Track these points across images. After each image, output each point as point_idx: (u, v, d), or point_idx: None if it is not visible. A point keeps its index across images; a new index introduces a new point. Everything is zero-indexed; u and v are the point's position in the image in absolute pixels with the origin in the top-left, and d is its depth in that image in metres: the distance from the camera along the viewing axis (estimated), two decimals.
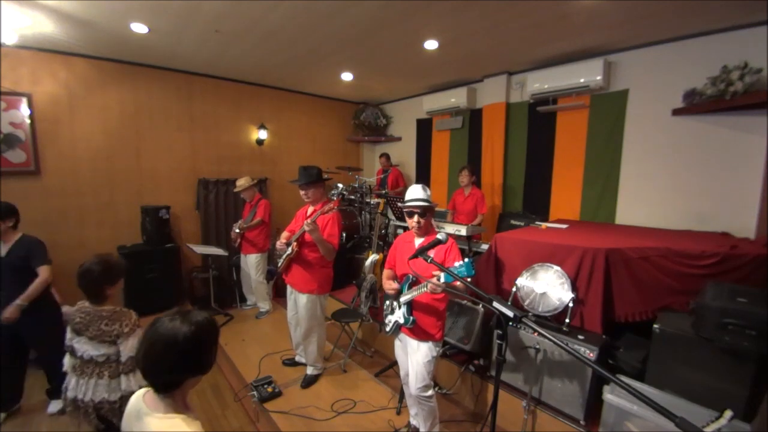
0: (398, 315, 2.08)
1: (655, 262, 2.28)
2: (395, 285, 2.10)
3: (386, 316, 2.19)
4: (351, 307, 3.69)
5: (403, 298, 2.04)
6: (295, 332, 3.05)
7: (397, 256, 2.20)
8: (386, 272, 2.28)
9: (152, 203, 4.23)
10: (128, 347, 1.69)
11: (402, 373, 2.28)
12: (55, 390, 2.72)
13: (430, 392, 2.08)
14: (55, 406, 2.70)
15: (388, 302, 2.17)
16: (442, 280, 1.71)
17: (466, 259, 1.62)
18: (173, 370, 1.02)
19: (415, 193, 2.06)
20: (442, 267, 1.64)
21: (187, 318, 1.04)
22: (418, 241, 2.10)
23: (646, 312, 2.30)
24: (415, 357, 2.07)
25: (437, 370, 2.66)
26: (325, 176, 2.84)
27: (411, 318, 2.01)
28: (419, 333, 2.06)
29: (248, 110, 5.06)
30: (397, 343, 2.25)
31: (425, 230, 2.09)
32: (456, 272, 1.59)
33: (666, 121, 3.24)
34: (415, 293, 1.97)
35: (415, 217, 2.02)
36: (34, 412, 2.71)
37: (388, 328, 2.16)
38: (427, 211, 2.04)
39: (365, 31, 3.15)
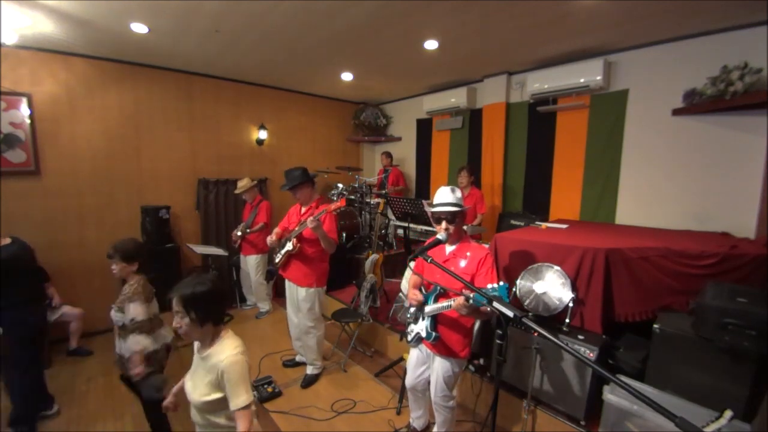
0: (421, 327, 1.95)
1: (655, 262, 2.28)
2: (420, 296, 1.96)
3: (408, 324, 2.07)
4: (351, 307, 3.69)
5: (427, 308, 1.91)
6: (293, 326, 3.05)
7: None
8: (413, 278, 2.13)
9: (152, 203, 4.23)
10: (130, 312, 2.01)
11: (408, 379, 2.19)
12: (14, 419, 2.36)
13: (450, 403, 2.03)
14: None
15: (413, 310, 2.04)
16: (471, 300, 1.54)
17: (501, 283, 1.43)
18: None
19: (443, 196, 1.89)
20: (471, 286, 1.46)
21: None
22: (450, 249, 1.97)
23: (646, 312, 2.30)
24: (436, 369, 1.99)
25: None
26: (312, 173, 2.85)
27: (434, 334, 1.88)
28: (441, 349, 1.94)
29: (248, 110, 5.06)
30: (414, 351, 2.14)
31: (457, 236, 1.94)
32: (490, 295, 1.39)
33: (666, 121, 3.24)
34: (440, 307, 1.83)
35: (443, 224, 1.86)
36: None
37: (410, 338, 2.04)
38: (456, 217, 1.87)
39: (365, 31, 3.15)
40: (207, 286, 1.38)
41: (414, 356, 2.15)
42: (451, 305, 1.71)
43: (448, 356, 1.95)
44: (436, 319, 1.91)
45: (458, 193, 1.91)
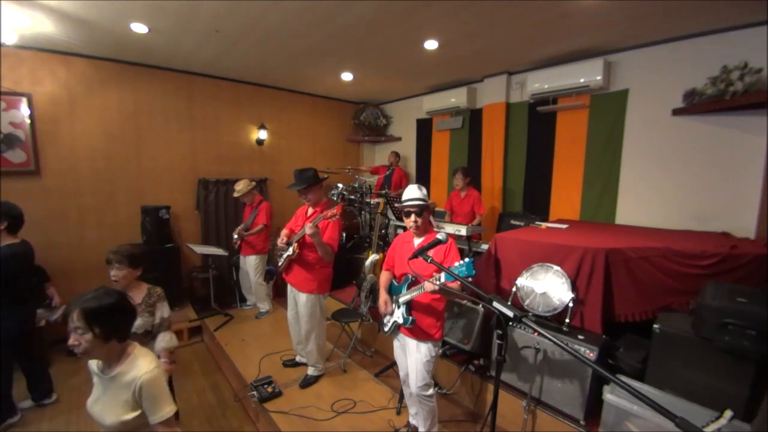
0: (397, 315, 2.09)
1: (655, 262, 2.28)
2: (390, 306, 2.12)
3: (385, 315, 2.20)
4: (351, 307, 3.69)
5: (402, 299, 2.05)
6: (294, 331, 3.05)
7: (396, 257, 2.20)
8: (384, 275, 2.27)
9: (152, 203, 4.23)
10: None
11: (402, 373, 2.28)
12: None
13: (430, 391, 2.09)
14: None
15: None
16: (442, 280, 1.71)
17: (467, 259, 1.61)
18: None
19: (411, 193, 2.09)
20: (441, 267, 1.64)
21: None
22: (417, 241, 2.11)
23: (646, 312, 2.30)
24: (414, 357, 2.08)
25: (437, 370, 2.66)
26: (324, 176, 2.84)
27: (410, 318, 2.02)
28: (418, 333, 2.06)
29: (248, 110, 5.06)
30: (396, 343, 2.26)
31: (423, 229, 2.11)
32: (456, 272, 1.59)
33: (666, 121, 3.24)
34: (414, 293, 1.98)
35: (412, 217, 2.04)
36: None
37: (386, 328, 2.17)
38: (423, 210, 2.05)
39: (365, 30, 3.15)
40: (113, 298, 1.29)
41: (397, 347, 2.26)
42: (424, 287, 1.87)
43: (425, 340, 2.06)
44: (410, 306, 2.05)
45: (424, 191, 2.11)
